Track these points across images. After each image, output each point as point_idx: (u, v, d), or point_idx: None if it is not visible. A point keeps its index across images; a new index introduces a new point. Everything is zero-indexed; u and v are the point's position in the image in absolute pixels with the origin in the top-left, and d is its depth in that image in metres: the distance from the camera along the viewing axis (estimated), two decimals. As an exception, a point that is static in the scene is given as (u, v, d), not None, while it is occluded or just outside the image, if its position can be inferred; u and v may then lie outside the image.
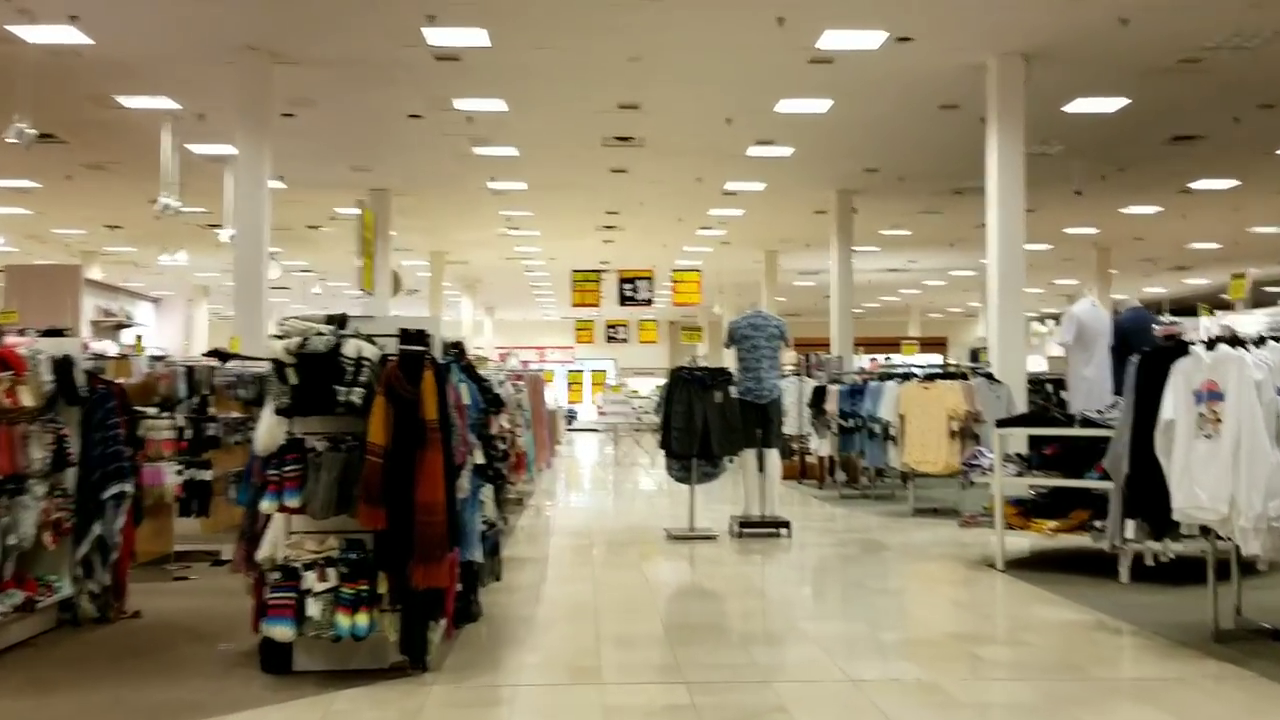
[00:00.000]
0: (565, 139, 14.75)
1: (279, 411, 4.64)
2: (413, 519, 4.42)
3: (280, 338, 4.56)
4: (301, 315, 4.72)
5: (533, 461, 11.02)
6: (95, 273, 22.48)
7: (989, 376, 10.37)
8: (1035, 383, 12.21)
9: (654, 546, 8.78)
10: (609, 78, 12.10)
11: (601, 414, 23.12)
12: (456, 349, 5.30)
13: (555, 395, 28.43)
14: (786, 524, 9.13)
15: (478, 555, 5.20)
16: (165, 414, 6.94)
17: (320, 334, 4.57)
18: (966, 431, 9.80)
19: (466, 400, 4.95)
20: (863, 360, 18.24)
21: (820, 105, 13.09)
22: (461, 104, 13.01)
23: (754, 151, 15.40)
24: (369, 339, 4.68)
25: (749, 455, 9.19)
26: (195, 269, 26.39)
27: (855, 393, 11.46)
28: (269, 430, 4.71)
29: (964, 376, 10.53)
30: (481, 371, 7.32)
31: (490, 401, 5.20)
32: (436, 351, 4.89)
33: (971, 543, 8.52)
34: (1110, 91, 12.67)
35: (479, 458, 5.04)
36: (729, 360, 9.80)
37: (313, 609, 4.44)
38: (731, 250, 24.99)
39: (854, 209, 18.62)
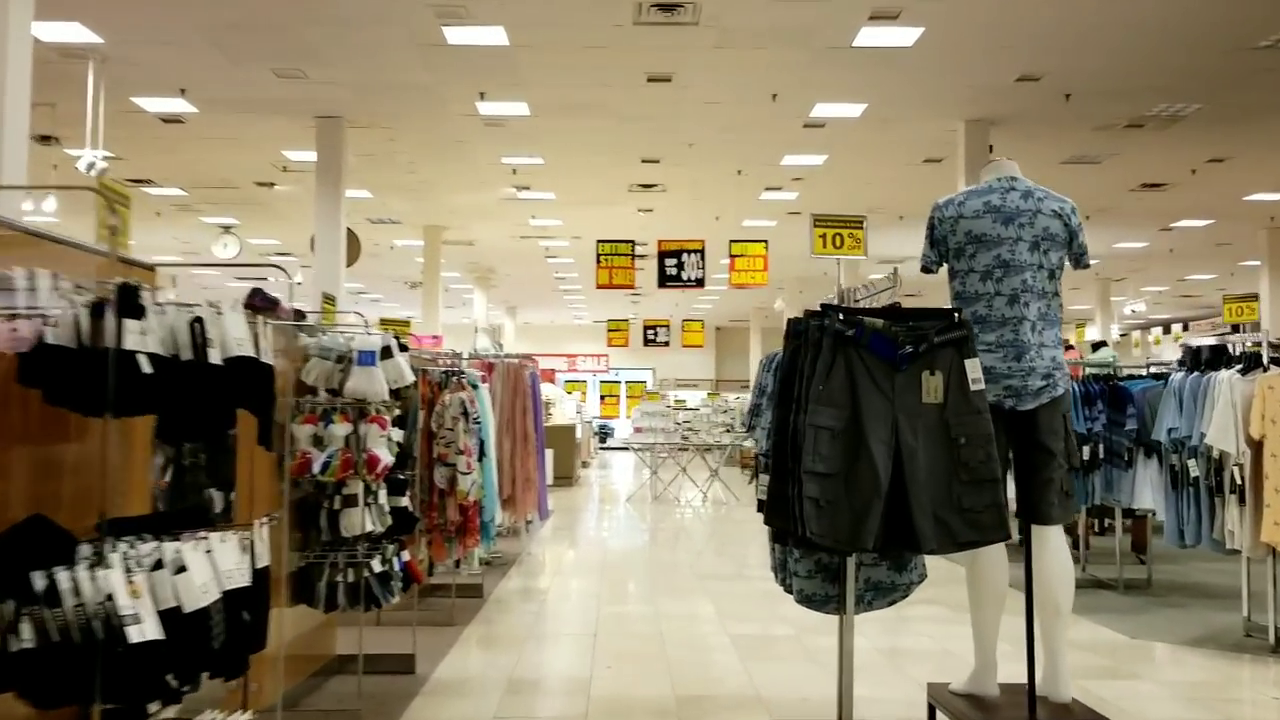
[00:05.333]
0: (576, 3, 9.56)
1: None
2: None
3: None
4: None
5: (491, 521, 5.71)
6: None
7: None
8: None
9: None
10: None
11: (638, 430, 18.60)
12: None
13: (579, 407, 23.29)
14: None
15: None
16: None
17: None
18: None
19: None
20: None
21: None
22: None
23: (865, 36, 10.12)
24: None
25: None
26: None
27: (1103, 396, 6.07)
28: None
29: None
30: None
31: None
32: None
33: None
34: None
35: None
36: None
37: None
38: (799, 226, 19.67)
39: (990, 148, 13.30)
